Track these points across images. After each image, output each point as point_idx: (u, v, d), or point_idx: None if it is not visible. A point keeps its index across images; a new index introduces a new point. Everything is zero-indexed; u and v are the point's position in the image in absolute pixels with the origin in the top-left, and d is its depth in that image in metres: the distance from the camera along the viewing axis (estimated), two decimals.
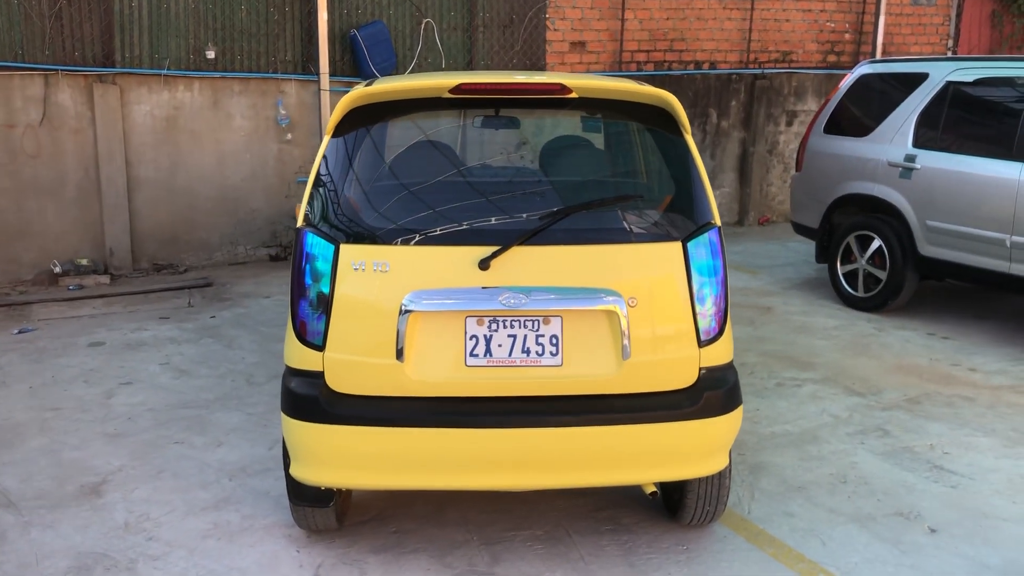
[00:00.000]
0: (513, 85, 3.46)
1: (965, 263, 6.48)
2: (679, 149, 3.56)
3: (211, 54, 8.30)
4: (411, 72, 8.98)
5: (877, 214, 7.10)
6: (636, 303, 3.29)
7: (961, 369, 5.89)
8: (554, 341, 3.28)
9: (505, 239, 3.25)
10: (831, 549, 3.71)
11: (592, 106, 3.72)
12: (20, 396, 5.29)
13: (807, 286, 8.05)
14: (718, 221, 3.47)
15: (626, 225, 3.42)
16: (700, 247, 3.38)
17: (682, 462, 3.38)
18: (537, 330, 3.28)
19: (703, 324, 3.36)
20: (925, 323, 6.90)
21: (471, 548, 3.70)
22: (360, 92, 3.44)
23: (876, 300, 7.10)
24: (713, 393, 3.36)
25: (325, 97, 8.73)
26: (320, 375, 3.31)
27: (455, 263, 3.26)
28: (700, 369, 3.37)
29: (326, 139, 3.50)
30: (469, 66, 9.39)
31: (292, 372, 3.39)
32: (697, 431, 3.34)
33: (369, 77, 8.74)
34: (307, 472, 3.36)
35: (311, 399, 3.28)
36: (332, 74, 8.76)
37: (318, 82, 8.71)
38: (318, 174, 3.45)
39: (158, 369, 5.78)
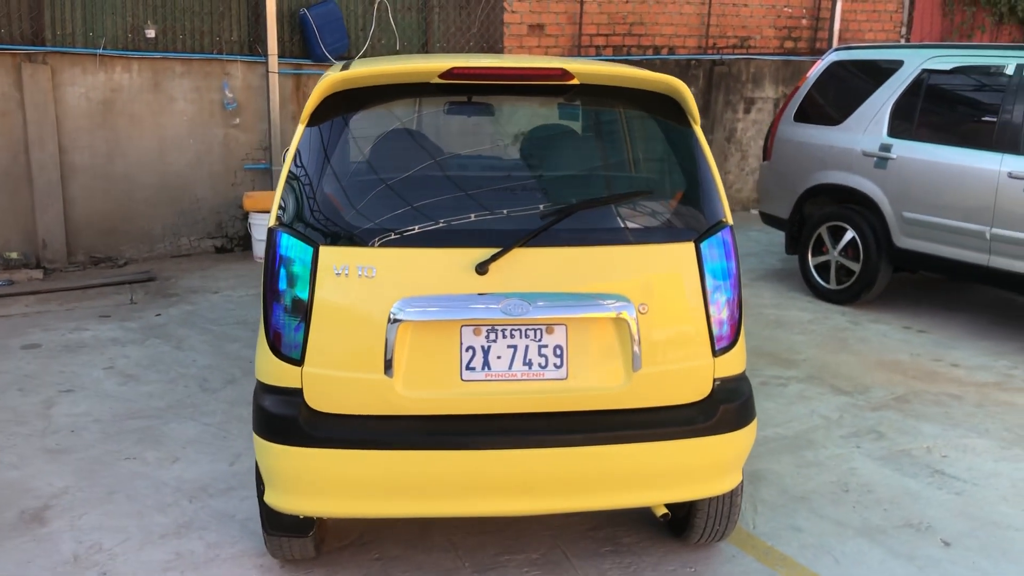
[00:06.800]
0: (511, 70, 3.12)
1: (943, 255, 6.34)
2: (688, 141, 3.29)
3: (151, 33, 7.78)
4: (363, 55, 8.56)
5: (850, 205, 6.94)
6: (647, 309, 3.01)
7: (943, 365, 5.75)
8: (558, 352, 2.99)
9: (505, 240, 2.94)
10: (845, 568, 3.48)
11: (592, 93, 3.40)
12: None
13: (775, 277, 7.88)
14: (730, 220, 3.21)
15: (635, 224, 3.14)
16: (713, 248, 3.11)
17: (696, 481, 3.12)
18: (540, 340, 2.99)
19: (718, 331, 3.10)
20: (899, 316, 6.77)
21: None
22: (339, 76, 3.08)
23: (849, 293, 6.95)
24: (729, 406, 3.10)
25: (273, 80, 8.26)
26: (298, 392, 2.96)
27: (449, 267, 2.94)
28: (714, 380, 3.11)
29: (300, 128, 3.13)
30: (424, 48, 9.00)
31: (265, 389, 3.03)
32: (713, 448, 3.08)
33: (320, 59, 8.31)
34: (285, 500, 3.02)
35: (288, 420, 2.94)
36: (281, 56, 8.30)
37: (266, 64, 8.24)
38: (292, 168, 3.09)
39: (102, 374, 5.33)
